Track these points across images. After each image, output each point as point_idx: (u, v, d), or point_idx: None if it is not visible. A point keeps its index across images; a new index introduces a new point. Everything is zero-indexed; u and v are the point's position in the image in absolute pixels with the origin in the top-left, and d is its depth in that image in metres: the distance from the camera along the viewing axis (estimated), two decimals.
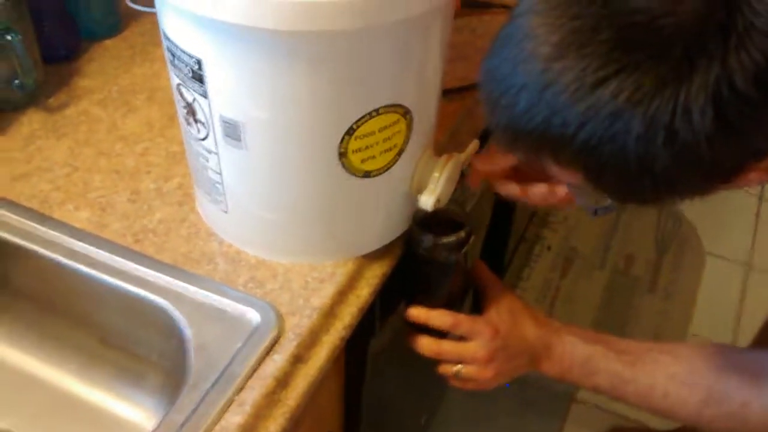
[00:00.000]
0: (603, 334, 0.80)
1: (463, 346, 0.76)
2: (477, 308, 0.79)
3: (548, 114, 0.45)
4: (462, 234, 0.73)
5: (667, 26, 0.41)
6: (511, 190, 0.74)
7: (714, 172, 0.46)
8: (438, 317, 0.75)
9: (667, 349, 0.77)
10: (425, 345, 0.77)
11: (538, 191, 0.73)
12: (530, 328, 0.78)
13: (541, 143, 0.47)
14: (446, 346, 0.76)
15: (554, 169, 0.50)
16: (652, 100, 0.42)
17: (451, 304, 0.79)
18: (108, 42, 0.97)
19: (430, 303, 0.76)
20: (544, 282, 1.86)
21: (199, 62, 0.57)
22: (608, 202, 0.61)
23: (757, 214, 2.06)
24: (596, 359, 0.77)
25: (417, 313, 0.76)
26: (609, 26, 0.42)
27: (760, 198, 2.12)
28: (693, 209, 2.06)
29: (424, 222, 0.73)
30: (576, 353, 0.77)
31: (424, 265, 0.75)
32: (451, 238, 0.72)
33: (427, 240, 0.72)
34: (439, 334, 0.76)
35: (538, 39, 0.44)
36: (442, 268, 0.76)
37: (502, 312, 0.77)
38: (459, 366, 0.76)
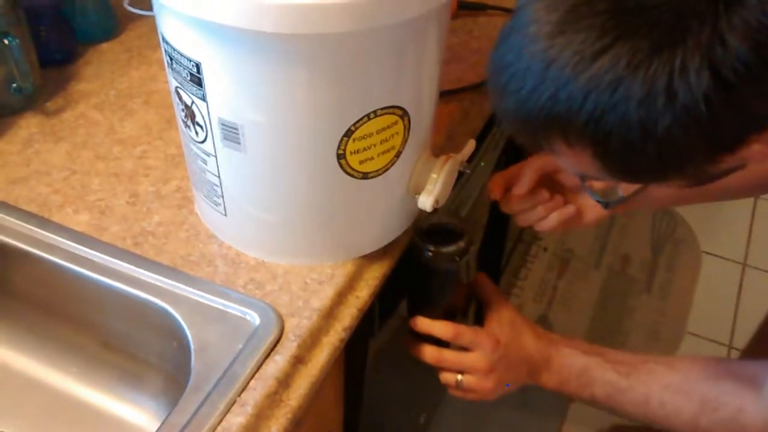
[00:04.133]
0: (600, 347, 0.81)
1: (464, 356, 0.77)
2: (479, 320, 0.81)
3: (554, 90, 0.46)
4: (462, 244, 0.75)
5: None
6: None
7: (715, 136, 0.46)
8: (440, 328, 0.76)
9: (662, 360, 0.78)
10: (427, 353, 0.78)
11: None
12: (530, 340, 0.79)
13: (549, 122, 0.48)
14: (447, 356, 0.78)
15: (565, 153, 0.50)
16: (650, 65, 0.43)
17: (453, 313, 0.80)
18: (104, 45, 0.97)
19: (432, 312, 0.78)
20: (541, 282, 1.87)
21: (197, 66, 0.57)
22: (618, 194, 0.62)
23: (753, 213, 2.07)
24: (592, 370, 0.78)
25: (420, 323, 0.77)
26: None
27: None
28: (689, 208, 2.06)
29: (425, 233, 0.75)
30: (573, 364, 0.78)
31: (425, 275, 0.77)
32: (451, 248, 0.74)
33: (428, 250, 0.74)
34: (442, 342, 0.78)
35: (540, 21, 0.46)
36: (442, 278, 0.78)
37: (503, 324, 0.78)
38: (460, 376, 0.78)
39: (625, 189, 0.63)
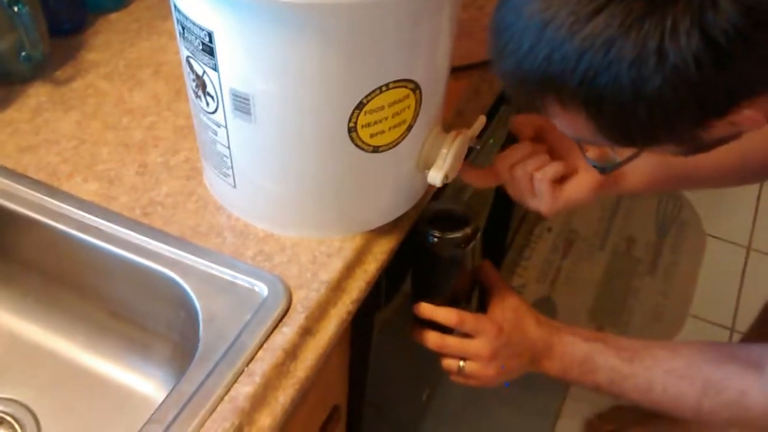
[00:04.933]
0: (602, 333, 0.81)
1: (467, 343, 0.77)
2: (483, 306, 0.81)
3: (549, 51, 0.46)
4: (468, 231, 0.75)
5: None
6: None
7: (705, 99, 0.46)
8: (444, 314, 0.77)
9: (666, 345, 0.79)
10: (430, 339, 0.78)
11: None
12: (532, 327, 0.79)
13: (544, 82, 0.48)
14: (450, 342, 0.78)
15: (560, 116, 0.51)
16: (642, 25, 0.43)
17: (457, 300, 0.81)
18: (114, 15, 0.97)
19: (436, 298, 0.78)
20: (545, 262, 1.87)
21: (209, 35, 0.57)
22: (615, 159, 0.62)
23: (758, 197, 2.06)
24: (595, 356, 0.78)
25: (423, 308, 0.78)
26: None
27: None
28: (694, 191, 2.06)
29: (431, 219, 0.75)
30: (576, 351, 0.79)
31: (430, 261, 0.78)
32: (457, 234, 0.75)
33: (433, 236, 0.74)
34: (445, 329, 0.78)
35: None
36: (447, 265, 0.78)
37: (506, 311, 0.79)
38: (462, 362, 0.78)
39: (621, 155, 0.63)
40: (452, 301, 0.79)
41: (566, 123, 0.52)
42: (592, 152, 0.65)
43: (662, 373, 0.76)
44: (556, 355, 0.79)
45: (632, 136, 0.51)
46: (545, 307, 1.75)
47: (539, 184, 0.71)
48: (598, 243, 1.93)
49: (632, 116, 0.47)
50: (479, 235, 0.77)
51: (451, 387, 1.55)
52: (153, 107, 0.83)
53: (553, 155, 0.73)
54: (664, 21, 0.43)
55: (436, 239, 0.74)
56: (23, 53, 0.82)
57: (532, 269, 1.85)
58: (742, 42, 0.43)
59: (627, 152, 0.62)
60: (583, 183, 0.72)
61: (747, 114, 0.48)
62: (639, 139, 0.52)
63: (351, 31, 0.54)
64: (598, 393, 0.81)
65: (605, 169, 0.64)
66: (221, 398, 0.58)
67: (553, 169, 0.71)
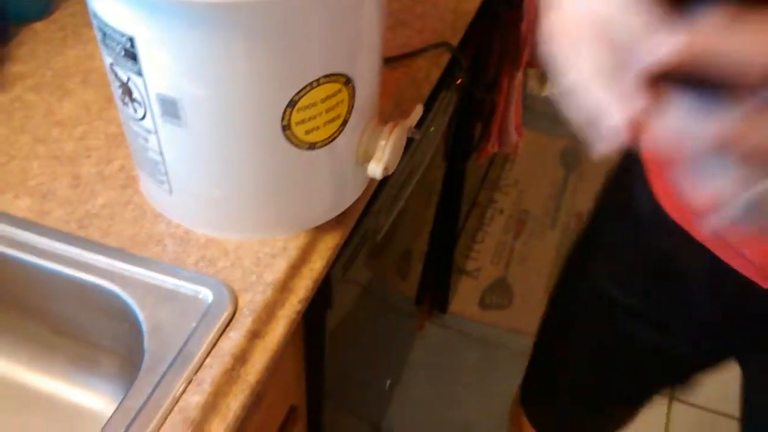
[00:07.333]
0: None
1: None
2: None
3: None
4: None
5: None
6: None
7: None
8: None
9: None
10: None
11: None
12: None
13: None
14: None
15: None
16: None
17: None
18: (38, 24, 0.94)
19: None
20: (498, 244, 1.88)
21: (131, 40, 0.55)
22: None
23: None
24: None
25: None
26: None
27: None
28: None
29: None
30: None
31: None
32: None
33: None
34: None
35: None
36: None
37: None
38: None
39: None
40: None
41: None
42: None
43: None
44: None
45: None
46: (500, 289, 1.77)
47: None
48: (548, 222, 1.95)
49: None
50: None
51: (415, 374, 1.56)
52: (83, 117, 0.81)
53: None
54: None
55: None
56: None
57: (485, 252, 1.86)
58: None
59: None
60: None
61: None
62: None
63: (275, 29, 0.54)
64: None
65: None
66: (170, 410, 0.57)
67: None
